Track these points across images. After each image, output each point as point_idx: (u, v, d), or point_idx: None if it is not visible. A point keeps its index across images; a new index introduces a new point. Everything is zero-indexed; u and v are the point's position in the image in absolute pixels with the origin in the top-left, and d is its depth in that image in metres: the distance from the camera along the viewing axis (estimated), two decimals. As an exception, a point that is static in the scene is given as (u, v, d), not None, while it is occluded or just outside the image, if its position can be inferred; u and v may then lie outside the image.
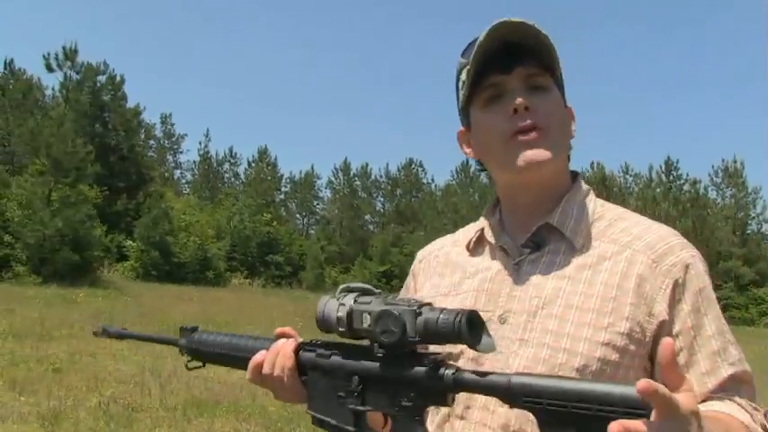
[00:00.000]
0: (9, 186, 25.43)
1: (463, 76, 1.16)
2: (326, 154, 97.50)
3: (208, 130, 59.37)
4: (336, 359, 1.07)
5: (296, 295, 29.38)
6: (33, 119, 27.93)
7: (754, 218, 40.85)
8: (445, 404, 0.99)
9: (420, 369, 0.97)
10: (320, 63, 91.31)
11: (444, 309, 0.94)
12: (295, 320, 16.32)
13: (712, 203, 40.77)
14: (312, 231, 52.37)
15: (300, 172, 54.29)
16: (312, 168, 54.72)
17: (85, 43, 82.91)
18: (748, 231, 40.21)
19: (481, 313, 1.09)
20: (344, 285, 1.07)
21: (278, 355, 1.12)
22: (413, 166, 52.93)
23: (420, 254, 1.39)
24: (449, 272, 1.26)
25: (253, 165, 51.53)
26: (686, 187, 41.37)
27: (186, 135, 57.01)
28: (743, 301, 34.09)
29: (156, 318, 13.96)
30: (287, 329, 1.19)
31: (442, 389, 0.97)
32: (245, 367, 1.18)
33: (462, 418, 1.11)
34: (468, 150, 1.25)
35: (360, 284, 1.07)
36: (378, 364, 1.01)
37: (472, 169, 48.72)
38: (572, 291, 1.08)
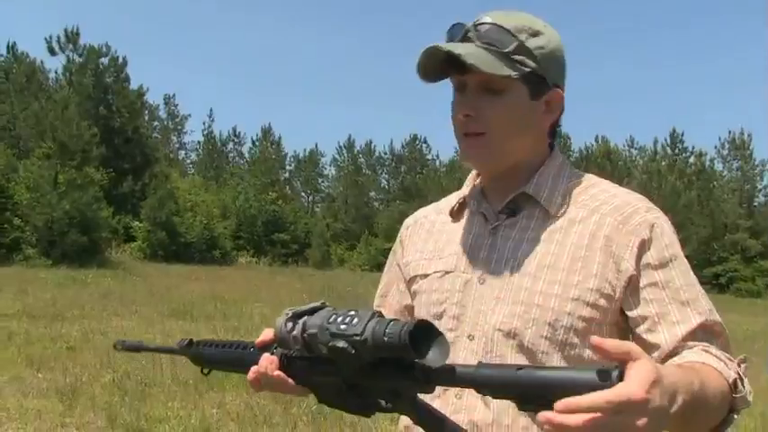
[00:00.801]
0: (17, 170, 25.66)
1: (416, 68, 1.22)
2: (330, 132, 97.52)
3: (211, 110, 59.65)
4: (318, 374, 1.10)
5: (303, 273, 29.58)
6: (38, 102, 28.12)
7: (761, 190, 40.85)
8: (427, 392, 1.00)
9: (393, 374, 0.99)
10: (323, 41, 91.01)
11: (393, 320, 0.93)
12: (302, 297, 16.54)
13: (718, 176, 40.71)
14: (317, 209, 52.55)
15: (305, 150, 54.38)
16: (316, 146, 54.85)
17: (87, 25, 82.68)
18: (755, 203, 40.20)
19: (462, 275, 1.22)
20: (290, 309, 1.07)
21: (267, 377, 1.12)
22: (417, 142, 52.91)
23: (406, 222, 1.47)
24: (433, 238, 1.35)
25: (257, 144, 51.61)
26: (692, 160, 41.29)
27: (190, 115, 57.19)
28: (749, 273, 34.14)
29: (164, 297, 14.17)
30: (265, 338, 1.16)
31: (416, 386, 0.99)
32: (243, 372, 1.18)
33: (458, 397, 1.18)
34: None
35: (307, 306, 1.06)
36: (355, 374, 1.03)
37: (476, 145, 48.80)
38: (544, 252, 1.17)
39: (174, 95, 53.68)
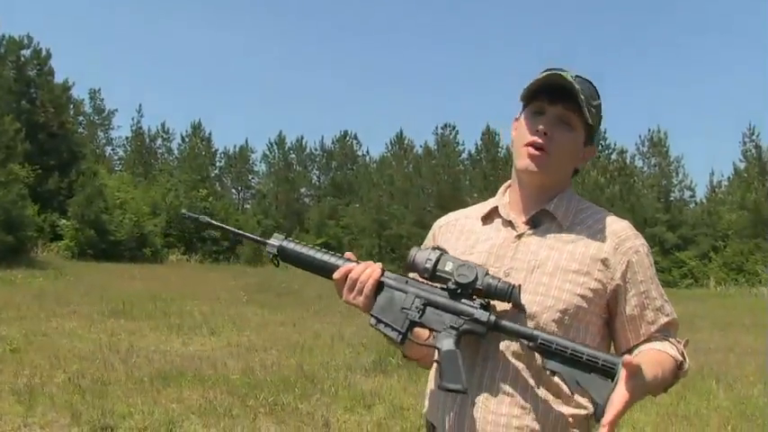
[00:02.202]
0: (-65, 167, 24.63)
1: (527, 88, 1.58)
2: (261, 128, 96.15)
3: (140, 105, 57.86)
4: (410, 286, 1.50)
5: (235, 270, 29.49)
6: (-44, 96, 26.99)
7: (676, 185, 42.58)
8: (482, 336, 1.44)
9: (474, 307, 1.44)
10: (253, 37, 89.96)
11: (500, 279, 1.44)
12: (239, 294, 16.61)
13: (638, 172, 42.30)
14: (248, 206, 52.04)
15: (235, 146, 53.69)
16: (246, 142, 54.13)
17: (5, 16, 79.44)
18: (671, 198, 41.90)
19: (491, 268, 1.58)
20: (433, 245, 1.57)
21: (367, 268, 1.52)
22: (347, 138, 53.01)
23: (438, 222, 1.81)
24: (464, 237, 1.68)
25: (186, 140, 50.72)
26: (614, 156, 42.79)
27: (117, 110, 55.63)
28: (666, 264, 35.67)
29: (101, 296, 14.02)
30: (350, 254, 1.59)
31: (483, 324, 1.43)
32: (327, 274, 1.55)
33: (484, 360, 1.53)
34: (513, 134, 1.66)
35: (441, 247, 1.52)
36: (444, 294, 1.46)
37: (406, 141, 49.46)
38: (559, 257, 1.54)
39: (99, 90, 52.17)
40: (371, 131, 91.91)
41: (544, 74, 1.55)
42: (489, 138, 44.95)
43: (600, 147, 44.40)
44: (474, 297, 1.46)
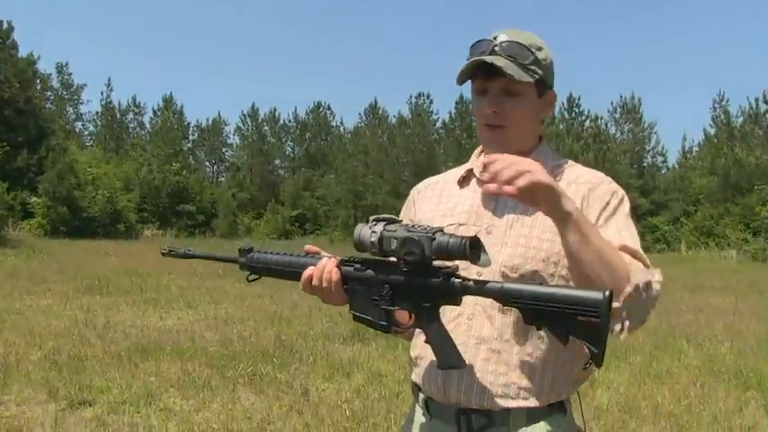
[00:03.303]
0: None
1: (458, 76, 1.58)
2: (234, 100, 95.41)
3: (109, 79, 56.69)
4: (370, 272, 1.45)
5: (210, 243, 29.38)
6: None
7: (649, 151, 42.91)
8: (455, 304, 1.38)
9: (436, 279, 1.36)
10: (224, 8, 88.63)
11: (452, 234, 1.32)
12: (215, 268, 16.55)
13: (612, 138, 42.54)
14: (222, 179, 51.68)
15: (207, 119, 53.12)
16: (219, 115, 53.74)
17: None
18: (644, 164, 42.26)
19: (472, 227, 1.58)
20: (375, 216, 1.42)
21: (324, 271, 1.49)
22: (321, 109, 52.62)
23: (417, 187, 1.81)
24: (444, 200, 1.70)
25: (158, 114, 50.08)
26: (588, 123, 42.98)
27: (86, 85, 54.66)
28: (639, 230, 36.11)
29: (76, 273, 13.92)
30: (312, 247, 1.59)
31: (453, 293, 1.36)
32: (293, 279, 1.55)
33: (469, 319, 1.52)
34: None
35: (386, 215, 1.43)
36: (403, 276, 1.39)
37: (380, 111, 49.18)
38: (537, 210, 1.45)
39: (67, 64, 51.23)
40: (345, 102, 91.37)
41: (469, 62, 1.55)
42: (463, 106, 44.84)
43: (573, 114, 44.79)
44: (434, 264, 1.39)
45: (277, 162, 51.87)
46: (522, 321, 1.36)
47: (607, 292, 1.23)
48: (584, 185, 1.56)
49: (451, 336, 1.42)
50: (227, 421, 4.78)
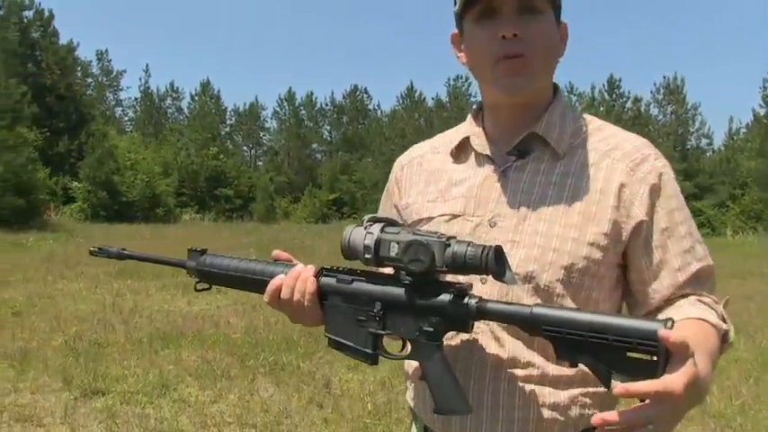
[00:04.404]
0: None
1: None
2: (270, 84, 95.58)
3: (147, 65, 57.45)
4: (359, 285, 1.12)
5: (248, 227, 29.40)
6: (-41, 59, 26.72)
7: (693, 133, 41.87)
8: (465, 330, 1.06)
9: (445, 297, 1.04)
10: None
11: (471, 242, 1.01)
12: (249, 251, 16.46)
13: (654, 120, 41.56)
14: (260, 163, 51.94)
15: (245, 104, 53.45)
16: (256, 99, 53.76)
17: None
18: (688, 147, 41.26)
19: (471, 218, 1.21)
20: (370, 216, 1.11)
21: (297, 280, 1.16)
22: (358, 92, 52.50)
23: (400, 161, 1.42)
24: (434, 179, 1.31)
25: (196, 99, 50.42)
26: (629, 105, 42.07)
27: (125, 71, 55.43)
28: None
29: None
30: (282, 253, 1.24)
31: (465, 316, 1.04)
32: (256, 290, 1.21)
33: (471, 339, 1.17)
34: (460, 55, 1.28)
35: (385, 217, 1.13)
36: (402, 290, 1.07)
37: (417, 94, 48.88)
38: (558, 195, 1.17)
39: (106, 51, 51.94)
40: (382, 85, 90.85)
41: None
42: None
43: (614, 95, 43.88)
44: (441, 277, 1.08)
45: (314, 146, 51.95)
46: (540, 346, 1.08)
47: (669, 323, 0.92)
48: (621, 162, 1.18)
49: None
50: (243, 414, 4.54)
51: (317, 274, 1.17)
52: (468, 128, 1.31)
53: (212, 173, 40.22)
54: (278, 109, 51.46)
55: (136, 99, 52.68)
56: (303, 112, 51.59)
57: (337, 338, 1.15)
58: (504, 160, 1.23)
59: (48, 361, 5.65)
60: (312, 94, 51.86)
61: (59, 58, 34.32)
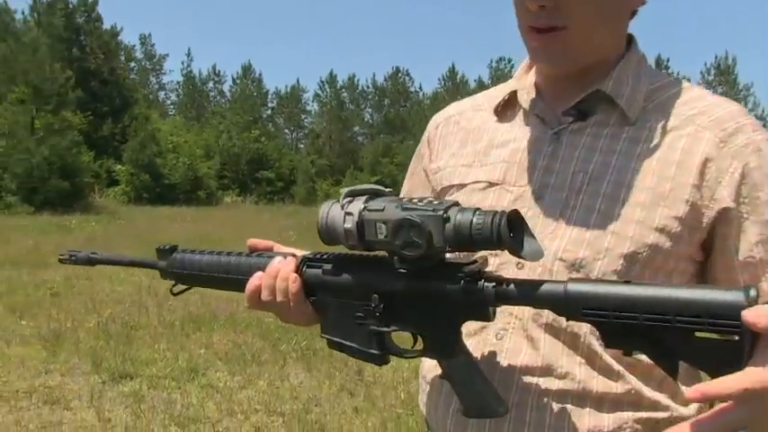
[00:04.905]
0: (-12, 116, 25.02)
1: None
2: (312, 67, 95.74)
3: (189, 49, 58.00)
4: (348, 276, 0.93)
5: (289, 210, 29.47)
6: (6, 45, 27.19)
7: (744, 113, 40.86)
8: (486, 319, 0.86)
9: (453, 284, 0.84)
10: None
11: (477, 209, 0.80)
12: (288, 234, 16.43)
13: (703, 101, 40.65)
14: (301, 146, 52.17)
15: (286, 87, 53.74)
16: (298, 82, 54.18)
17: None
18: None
19: (511, 188, 1.00)
20: (349, 189, 0.89)
21: (277, 279, 0.97)
22: (399, 75, 52.31)
23: (436, 118, 1.22)
24: (471, 139, 1.11)
25: (237, 82, 50.75)
26: (677, 84, 41.13)
27: (168, 55, 56.08)
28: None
29: (150, 239, 13.99)
30: (259, 241, 1.07)
31: (482, 303, 0.84)
32: (237, 288, 1.04)
33: (498, 338, 0.98)
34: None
35: (366, 186, 0.90)
36: (402, 278, 0.87)
37: (459, 75, 48.49)
38: (623, 166, 0.95)
39: (149, 35, 52.74)
40: (424, 67, 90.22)
41: None
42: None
43: (663, 74, 42.88)
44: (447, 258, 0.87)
45: (356, 128, 51.98)
46: (583, 344, 0.87)
47: (752, 291, 0.69)
48: (709, 131, 0.94)
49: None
50: (271, 401, 4.41)
51: (299, 267, 0.97)
52: (517, 81, 1.09)
53: (254, 156, 40.42)
54: (319, 92, 51.57)
55: (178, 83, 53.36)
56: (345, 94, 51.60)
57: (336, 339, 0.95)
58: (559, 121, 1.01)
59: (79, 343, 5.62)
60: (354, 76, 51.95)
61: (103, 42, 34.83)
